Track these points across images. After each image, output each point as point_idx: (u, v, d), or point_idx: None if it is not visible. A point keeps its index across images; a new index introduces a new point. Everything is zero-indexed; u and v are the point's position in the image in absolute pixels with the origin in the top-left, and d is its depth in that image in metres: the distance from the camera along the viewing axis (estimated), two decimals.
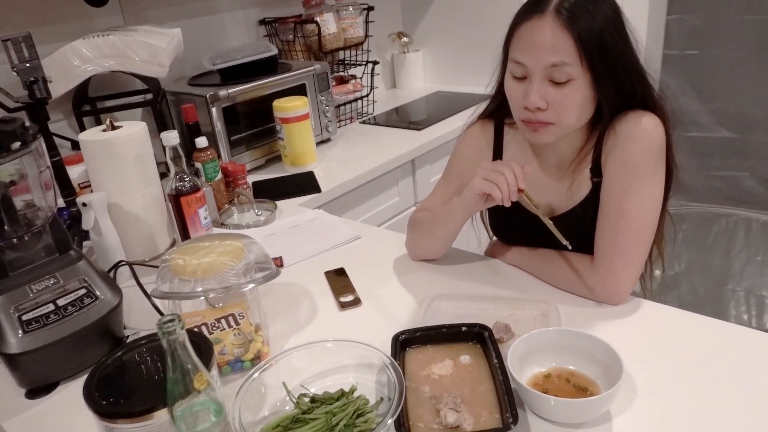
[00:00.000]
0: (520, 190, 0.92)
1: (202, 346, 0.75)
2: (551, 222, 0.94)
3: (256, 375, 0.77)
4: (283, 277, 1.16)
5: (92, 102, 1.64)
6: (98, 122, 1.60)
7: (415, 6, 2.51)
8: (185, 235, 1.22)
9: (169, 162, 1.17)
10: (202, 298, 0.85)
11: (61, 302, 0.88)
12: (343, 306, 1.03)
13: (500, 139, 1.09)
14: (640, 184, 0.92)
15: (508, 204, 0.93)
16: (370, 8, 2.10)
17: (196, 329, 0.84)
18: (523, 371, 0.78)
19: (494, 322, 0.89)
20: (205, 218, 1.22)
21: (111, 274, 1.09)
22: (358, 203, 1.73)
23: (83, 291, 0.91)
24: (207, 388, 0.63)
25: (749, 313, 2.40)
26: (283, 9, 2.08)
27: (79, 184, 1.38)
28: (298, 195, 1.55)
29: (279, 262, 1.19)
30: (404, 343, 0.85)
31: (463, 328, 0.86)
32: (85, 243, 1.25)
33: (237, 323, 0.86)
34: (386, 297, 1.05)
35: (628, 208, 0.92)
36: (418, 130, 1.98)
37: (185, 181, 1.19)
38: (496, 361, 0.78)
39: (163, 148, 1.15)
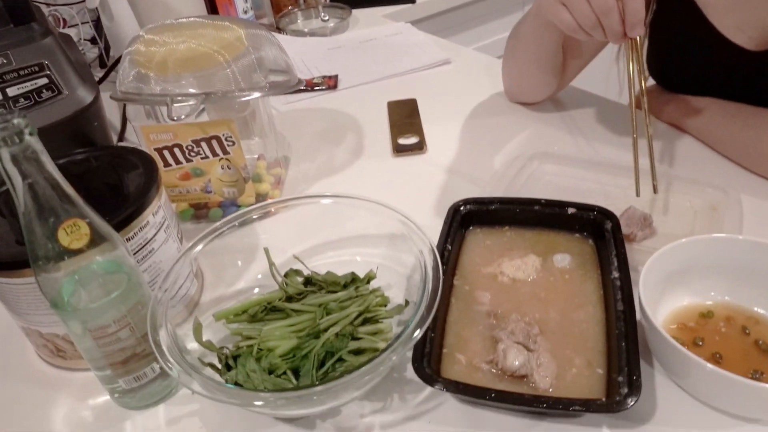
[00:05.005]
0: (626, 36, 0.52)
1: (144, 167, 0.49)
2: None
3: (225, 229, 0.50)
4: (332, 101, 0.85)
5: None
6: None
7: None
8: None
9: None
10: (178, 104, 0.56)
11: (12, 91, 0.65)
12: (399, 151, 0.71)
13: None
14: None
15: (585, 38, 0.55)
16: None
17: (165, 150, 0.58)
18: (663, 301, 0.44)
19: (626, 207, 0.54)
20: (245, 11, 0.91)
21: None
22: (467, 26, 1.32)
23: (43, 81, 0.66)
24: (91, 245, 0.37)
25: None
26: None
27: None
28: (384, 3, 1.17)
29: (332, 82, 0.88)
30: (467, 217, 0.53)
31: (570, 210, 0.52)
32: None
33: (225, 151, 0.58)
34: (464, 147, 0.71)
35: None
36: None
37: None
38: (617, 274, 0.45)
39: None
